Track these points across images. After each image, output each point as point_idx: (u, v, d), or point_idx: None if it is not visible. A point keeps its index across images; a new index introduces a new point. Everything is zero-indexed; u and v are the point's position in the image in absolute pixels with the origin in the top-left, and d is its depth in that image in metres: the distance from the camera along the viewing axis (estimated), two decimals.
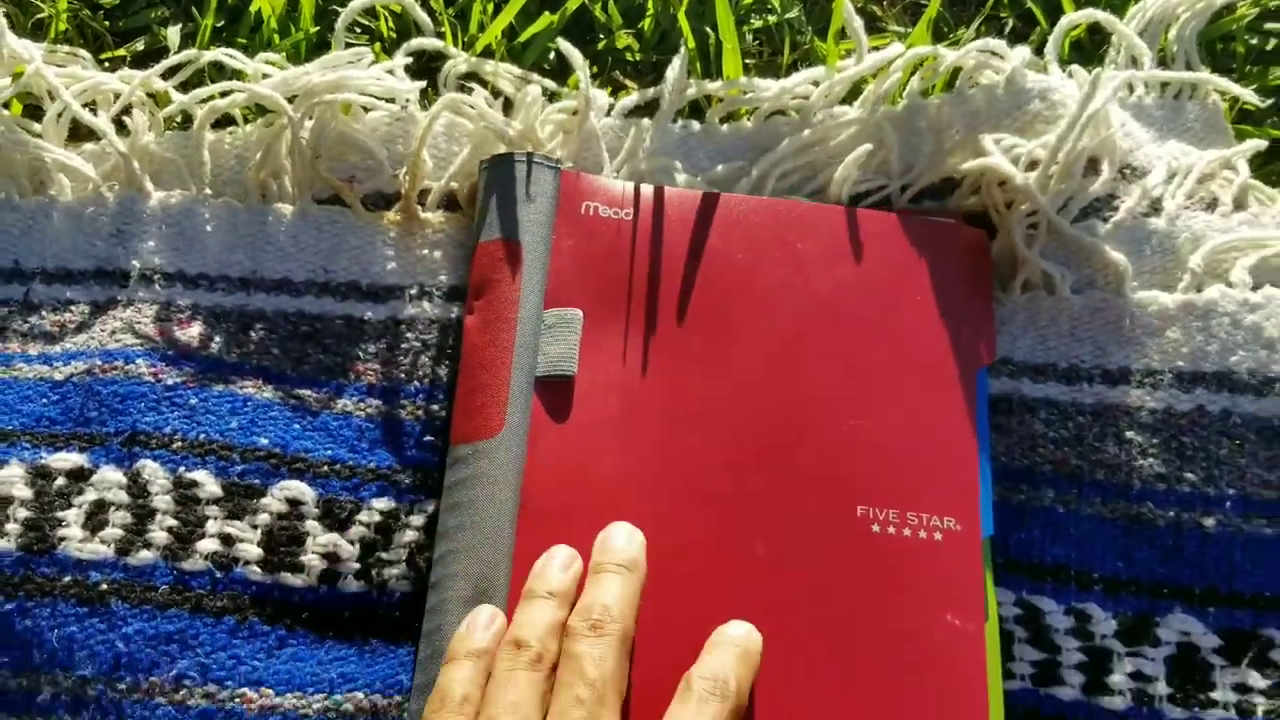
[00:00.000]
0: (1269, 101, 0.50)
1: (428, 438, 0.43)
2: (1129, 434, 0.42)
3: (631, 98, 0.48)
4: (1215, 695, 0.39)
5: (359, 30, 0.53)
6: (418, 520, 0.42)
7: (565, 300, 0.43)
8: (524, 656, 0.35)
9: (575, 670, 0.34)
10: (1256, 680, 0.40)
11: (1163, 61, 0.51)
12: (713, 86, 0.49)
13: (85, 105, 0.48)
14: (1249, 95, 0.49)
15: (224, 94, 0.47)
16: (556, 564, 0.38)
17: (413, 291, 0.45)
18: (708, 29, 0.51)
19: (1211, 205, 0.46)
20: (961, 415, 0.42)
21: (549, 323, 0.43)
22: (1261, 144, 0.47)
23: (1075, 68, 0.48)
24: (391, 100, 0.47)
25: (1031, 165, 0.45)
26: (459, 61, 0.49)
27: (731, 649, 0.36)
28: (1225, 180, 0.46)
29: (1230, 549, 0.41)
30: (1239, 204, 0.46)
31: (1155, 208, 0.45)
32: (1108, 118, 0.45)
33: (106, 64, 0.52)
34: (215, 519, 0.41)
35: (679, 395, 0.42)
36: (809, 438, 0.41)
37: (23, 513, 0.40)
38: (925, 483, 0.41)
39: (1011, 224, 0.45)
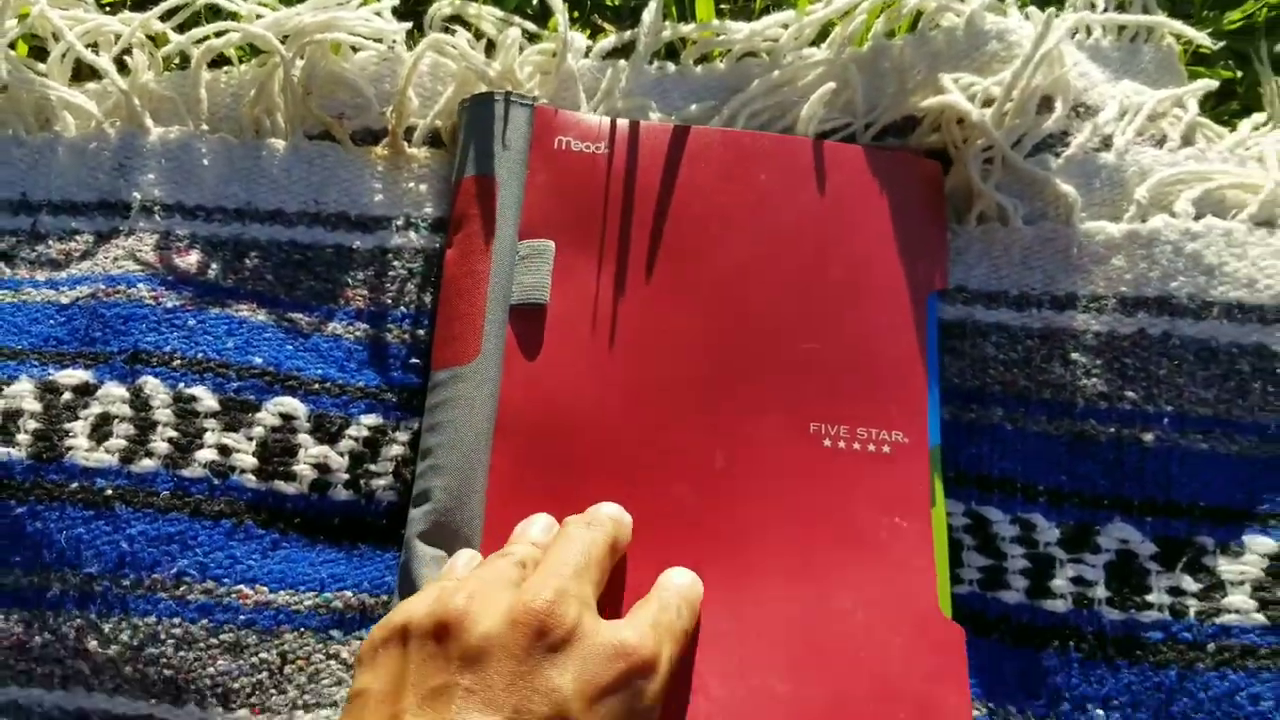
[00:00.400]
0: (1221, 44, 0.52)
1: (413, 360, 0.46)
2: (1074, 356, 0.44)
3: (609, 40, 0.50)
4: (1150, 598, 0.42)
5: None
6: (404, 436, 0.44)
7: (538, 232, 0.45)
8: (508, 559, 0.37)
9: (566, 542, 0.37)
10: (1189, 584, 0.42)
11: (1121, 5, 0.52)
12: (687, 29, 0.51)
13: (88, 46, 0.50)
14: (1202, 38, 0.51)
15: (219, 34, 0.49)
16: (537, 527, 0.40)
17: (399, 222, 0.48)
18: None
19: (1160, 142, 0.48)
20: (912, 338, 0.44)
21: (523, 254, 0.45)
22: (1212, 84, 0.49)
23: (1033, 9, 0.50)
24: (379, 40, 0.50)
25: (988, 103, 0.47)
26: (444, 4, 0.51)
27: (677, 595, 0.38)
28: (1175, 118, 0.48)
29: (1168, 463, 0.43)
30: (1187, 140, 0.48)
31: (1106, 143, 0.47)
32: (1061, 57, 0.47)
33: (108, 7, 0.55)
34: (213, 431, 0.43)
35: (646, 319, 0.44)
36: (768, 359, 0.44)
37: (32, 424, 0.43)
38: (876, 400, 0.43)
39: (968, 158, 0.47)
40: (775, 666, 0.40)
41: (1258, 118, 0.49)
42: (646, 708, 0.33)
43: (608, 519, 0.39)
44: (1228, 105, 0.52)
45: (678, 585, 0.39)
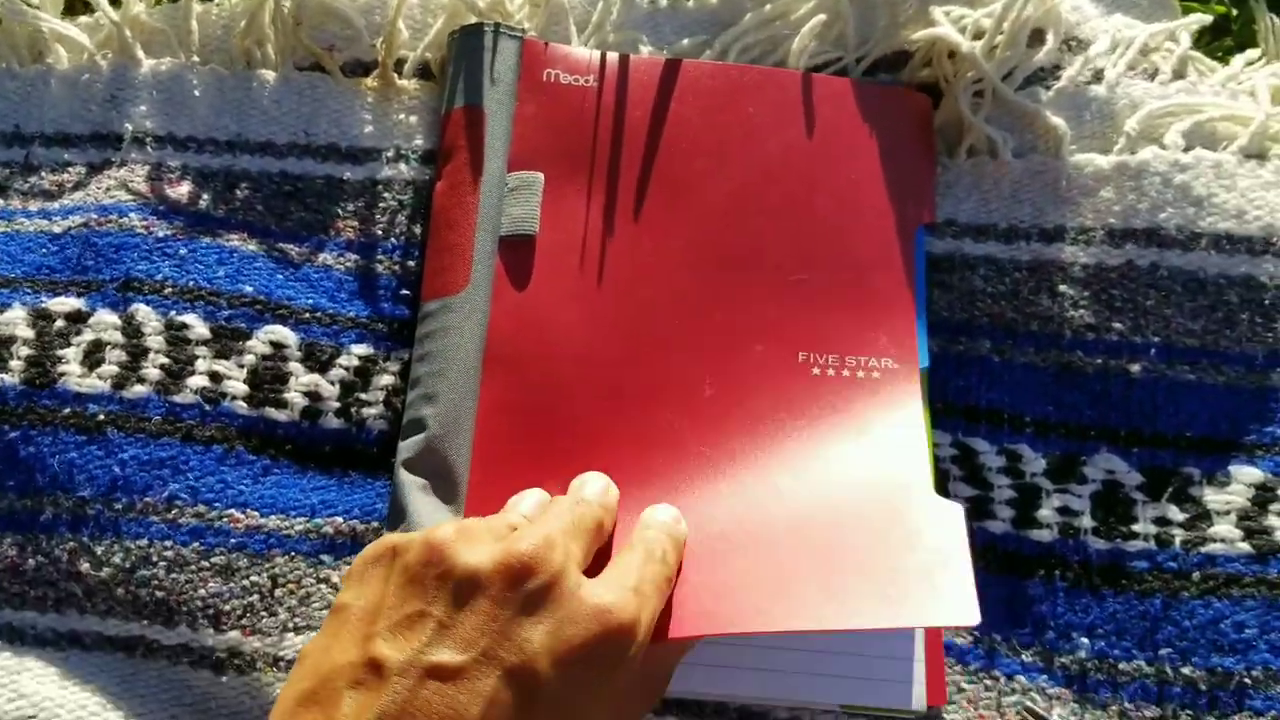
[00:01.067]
0: None
1: (403, 291, 0.46)
2: (1062, 288, 0.45)
3: None
4: (1136, 528, 0.42)
5: None
6: (394, 366, 0.45)
7: (527, 164, 0.45)
8: (501, 518, 0.36)
9: (557, 507, 0.37)
10: (1175, 514, 0.42)
11: None
12: None
13: None
14: None
15: None
16: (529, 501, 0.39)
17: (389, 154, 0.48)
18: None
19: (1152, 75, 0.48)
20: (900, 269, 0.44)
21: (512, 185, 0.45)
22: (1205, 19, 0.49)
23: None
24: None
25: (978, 35, 0.47)
26: None
27: (661, 536, 0.38)
28: (1167, 52, 0.48)
29: (1154, 393, 0.44)
30: (1178, 74, 0.48)
31: (1097, 76, 0.47)
32: None
33: None
34: (204, 358, 0.44)
35: (635, 251, 0.44)
36: (756, 290, 0.44)
37: (25, 351, 0.43)
38: (865, 329, 0.44)
39: (958, 91, 0.47)
40: (760, 555, 0.39)
41: (1251, 53, 0.49)
42: (619, 671, 0.33)
43: (595, 501, 0.38)
44: (1222, 41, 0.52)
45: (661, 524, 0.38)
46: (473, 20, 0.48)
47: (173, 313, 0.44)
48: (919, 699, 0.40)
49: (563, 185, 0.45)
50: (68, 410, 0.42)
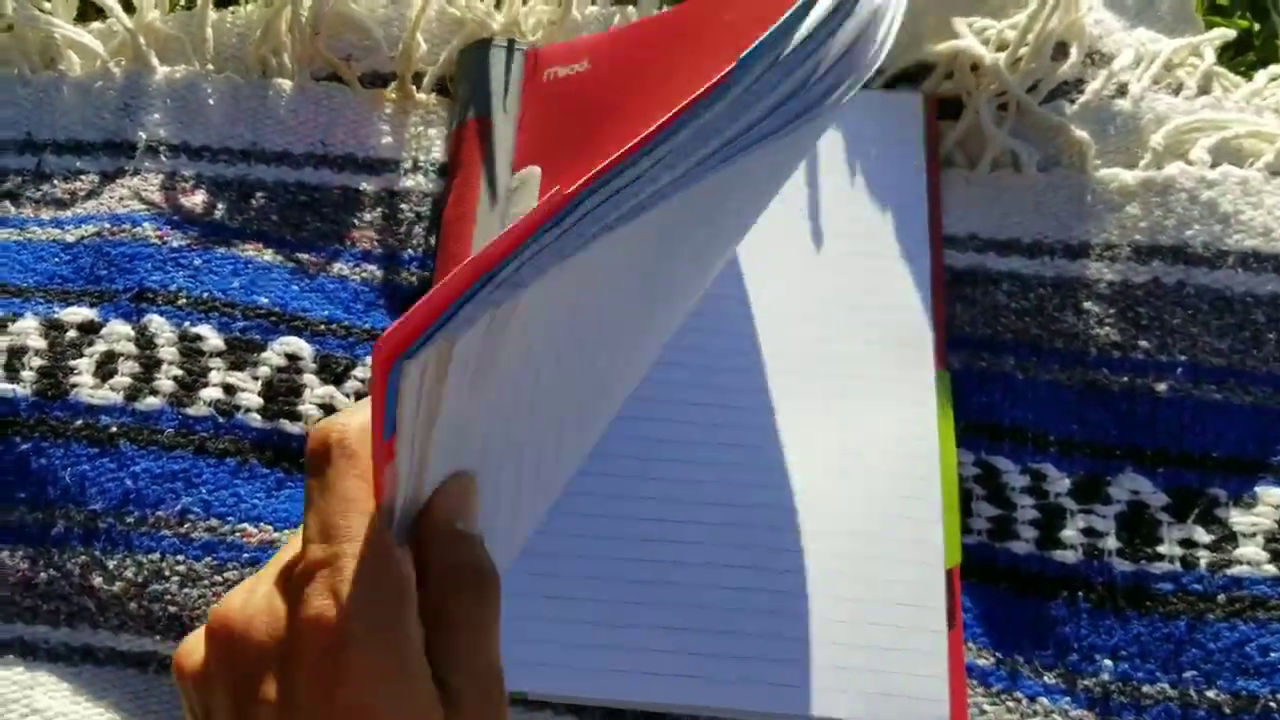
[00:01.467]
0: None
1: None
2: (1087, 304, 0.44)
3: None
4: (1162, 549, 0.42)
5: None
6: None
7: (527, 163, 0.45)
8: None
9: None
10: (1201, 535, 0.42)
11: None
12: None
13: None
14: None
15: None
16: None
17: (407, 165, 0.47)
18: None
19: (1177, 90, 0.47)
20: None
21: (513, 187, 0.45)
22: (1229, 33, 0.48)
23: None
24: None
25: (1002, 47, 0.46)
26: None
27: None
28: (1191, 67, 0.48)
29: (1181, 413, 0.43)
30: (1203, 89, 0.47)
31: (1121, 91, 0.47)
32: (1076, 1, 0.46)
33: None
34: (218, 370, 0.43)
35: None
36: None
37: (37, 361, 0.43)
38: None
39: (981, 104, 0.46)
40: None
41: (1275, 69, 0.49)
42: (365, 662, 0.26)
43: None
44: (1244, 57, 0.51)
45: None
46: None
47: (186, 324, 0.44)
48: (943, 717, 0.39)
49: (559, 176, 0.45)
50: (80, 422, 0.42)
